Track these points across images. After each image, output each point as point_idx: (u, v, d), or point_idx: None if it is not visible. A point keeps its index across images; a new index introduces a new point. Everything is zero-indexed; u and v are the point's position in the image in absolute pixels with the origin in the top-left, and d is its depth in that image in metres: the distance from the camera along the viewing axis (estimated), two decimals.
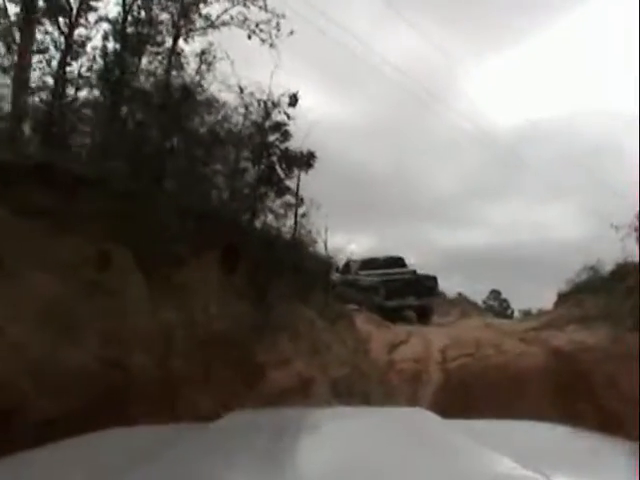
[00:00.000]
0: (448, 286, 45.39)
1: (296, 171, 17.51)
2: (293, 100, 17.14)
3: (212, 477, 2.00)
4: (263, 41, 16.84)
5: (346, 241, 26.99)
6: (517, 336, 25.70)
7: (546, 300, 37.26)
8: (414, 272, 32.78)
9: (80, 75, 14.66)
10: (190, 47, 16.19)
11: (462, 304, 46.97)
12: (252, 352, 14.24)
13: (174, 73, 15.54)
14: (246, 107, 16.85)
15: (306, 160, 17.52)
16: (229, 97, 16.63)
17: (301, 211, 19.19)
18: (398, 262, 33.42)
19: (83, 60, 14.81)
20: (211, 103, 16.01)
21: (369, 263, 33.18)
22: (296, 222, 19.24)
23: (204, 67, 16.16)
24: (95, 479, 2.04)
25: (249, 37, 16.53)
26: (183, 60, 16.17)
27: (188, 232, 11.87)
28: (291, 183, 18.08)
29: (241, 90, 16.68)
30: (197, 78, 15.85)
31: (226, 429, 2.73)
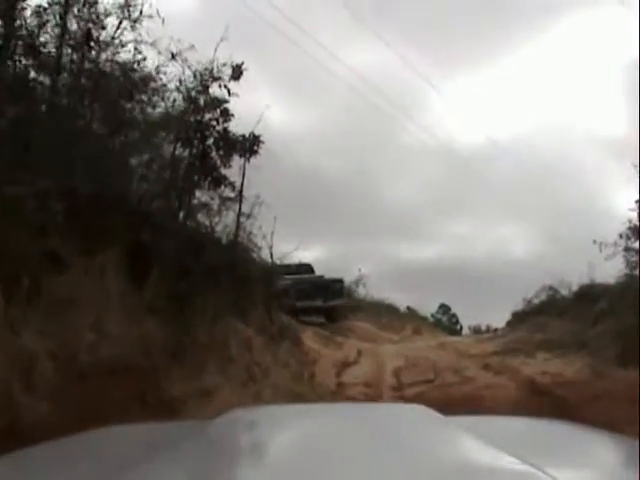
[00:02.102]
0: (398, 299, 42.72)
1: (238, 159, 13.73)
2: (237, 72, 13.41)
3: (214, 473, 1.90)
4: None
5: (294, 248, 22.97)
6: (479, 361, 22.49)
7: (496, 317, 35.47)
8: (322, 276, 32.60)
9: None
10: None
11: (413, 319, 43.89)
12: (164, 382, 10.39)
13: (85, 25, 11.59)
14: (179, 79, 13.00)
15: (249, 145, 13.76)
16: (157, 63, 12.76)
17: (246, 210, 15.50)
18: (308, 269, 33.04)
19: None
20: (131, 69, 12.10)
21: (283, 269, 32.76)
22: (238, 222, 15.54)
23: (126, 23, 12.27)
24: (98, 475, 1.97)
25: None
26: (101, 12, 12.26)
27: (72, 225, 8.01)
28: (232, 175, 14.32)
29: (172, 56, 12.87)
30: (117, 36, 11.93)
31: (225, 427, 2.47)
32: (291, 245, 24.37)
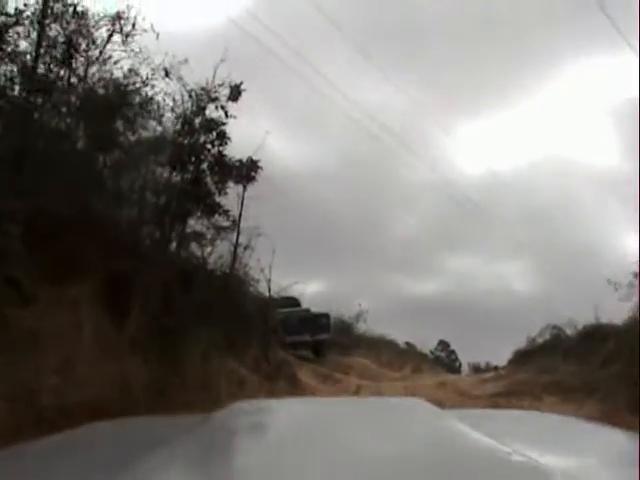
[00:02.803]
0: (398, 334, 41.41)
1: (236, 187, 12.63)
2: (235, 93, 12.34)
3: (219, 462, 1.95)
4: None
5: (293, 281, 21.81)
6: (483, 403, 21.18)
7: (496, 355, 34.39)
8: (308, 310, 31.59)
9: None
10: (101, 5, 11.26)
11: (413, 355, 42.48)
12: None
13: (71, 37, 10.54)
14: (173, 98, 11.93)
15: (247, 171, 12.65)
16: (151, 80, 11.70)
17: (243, 241, 14.40)
18: (294, 302, 32.29)
19: None
20: (122, 85, 11.04)
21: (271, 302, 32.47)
22: (235, 253, 14.43)
23: (118, 37, 11.24)
24: (103, 465, 1.95)
25: None
26: (91, 22, 11.21)
27: (39, 251, 6.86)
28: (229, 204, 13.21)
29: (166, 73, 11.79)
30: (107, 50, 10.88)
31: (228, 420, 2.50)
32: (291, 278, 23.31)
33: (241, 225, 13.27)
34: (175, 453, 1.95)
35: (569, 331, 25.84)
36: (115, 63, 11.67)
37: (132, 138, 11.65)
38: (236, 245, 14.60)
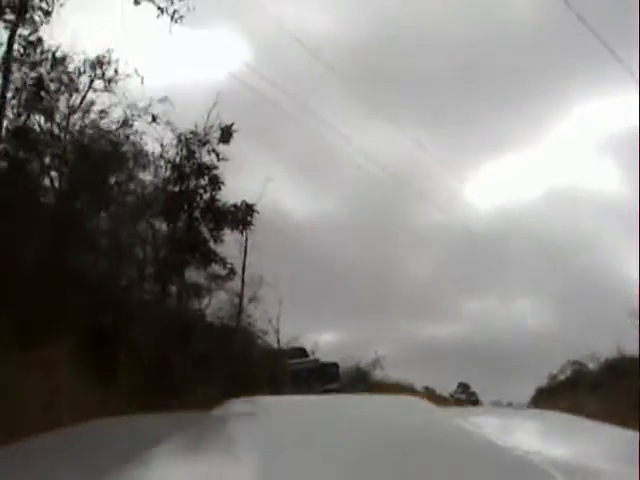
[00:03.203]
0: (416, 378, 40.20)
1: (230, 232, 11.84)
2: (226, 135, 11.63)
3: (215, 458, 1.92)
4: None
5: (303, 332, 20.84)
6: None
7: (517, 394, 32.09)
8: (317, 360, 30.17)
9: None
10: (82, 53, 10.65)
11: (432, 399, 41.10)
12: None
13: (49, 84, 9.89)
14: (160, 143, 11.23)
15: (242, 216, 11.87)
16: (138, 126, 11.02)
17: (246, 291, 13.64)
18: (302, 352, 31.41)
19: None
20: (108, 133, 10.35)
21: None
22: (241, 305, 13.65)
23: (100, 83, 10.58)
24: (101, 463, 1.84)
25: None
26: (70, 64, 10.56)
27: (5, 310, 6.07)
28: (231, 255, 12.44)
29: (153, 118, 11.10)
30: (90, 94, 10.22)
31: (226, 416, 2.46)
32: (303, 329, 22.43)
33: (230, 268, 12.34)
34: (172, 451, 1.91)
35: (591, 365, 25.04)
36: (101, 112, 10.97)
37: (119, 189, 10.89)
38: (241, 296, 13.82)
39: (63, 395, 7.50)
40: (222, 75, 13.55)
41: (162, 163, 11.43)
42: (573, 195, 43.06)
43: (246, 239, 14.39)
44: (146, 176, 11.43)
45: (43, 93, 10.08)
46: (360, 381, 35.50)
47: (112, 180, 10.74)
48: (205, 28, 13.34)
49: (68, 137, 10.48)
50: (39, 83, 9.99)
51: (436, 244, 38.38)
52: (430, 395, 44.54)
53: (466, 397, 63.60)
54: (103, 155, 10.57)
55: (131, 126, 11.00)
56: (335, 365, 31.78)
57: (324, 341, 32.35)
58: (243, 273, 13.94)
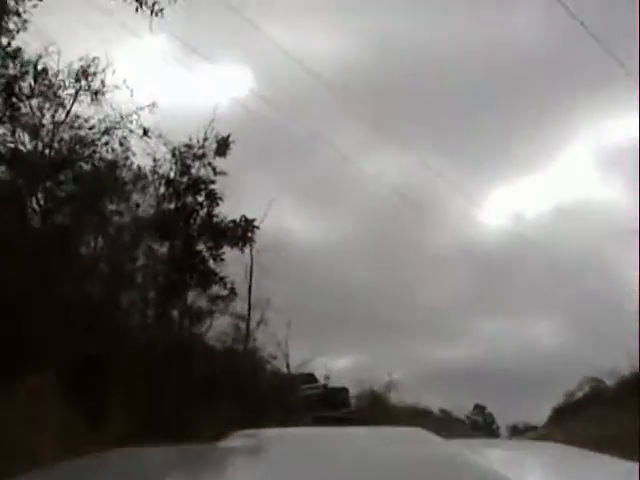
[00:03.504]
0: (432, 401, 39.51)
1: (230, 249, 11.07)
2: (222, 147, 10.92)
3: None
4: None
5: (313, 356, 19.99)
6: None
7: (534, 414, 33.39)
8: (325, 386, 30.59)
9: None
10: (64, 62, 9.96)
11: (447, 422, 40.34)
12: None
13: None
14: (153, 158, 10.50)
15: (242, 232, 11.11)
16: (128, 140, 10.30)
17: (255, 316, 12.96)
18: (311, 378, 31.12)
19: None
20: (92, 144, 9.64)
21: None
22: (248, 329, 12.93)
23: (85, 96, 9.90)
24: None
25: None
26: (53, 77, 9.89)
27: None
28: (231, 272, 11.69)
29: (145, 132, 10.39)
30: (74, 107, 9.53)
31: (231, 450, 2.40)
32: (318, 351, 21.67)
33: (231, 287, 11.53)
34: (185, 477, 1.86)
35: (609, 382, 24.47)
36: (91, 129, 10.26)
37: (110, 208, 10.17)
38: (248, 319, 13.10)
39: (46, 429, 6.70)
40: (224, 100, 13.06)
41: (155, 178, 10.62)
42: (584, 214, 42.49)
43: (251, 260, 13.76)
44: (139, 193, 10.64)
45: (25, 107, 9.43)
46: (374, 405, 35.02)
47: (103, 199, 9.99)
48: (206, 56, 12.79)
49: (53, 154, 9.77)
50: (17, 95, 9.32)
51: (449, 266, 37.73)
52: (446, 417, 43.87)
53: (482, 419, 62.73)
54: (91, 172, 9.86)
55: (121, 143, 10.29)
56: (345, 390, 31.75)
57: (337, 365, 31.09)
58: (249, 295, 13.26)
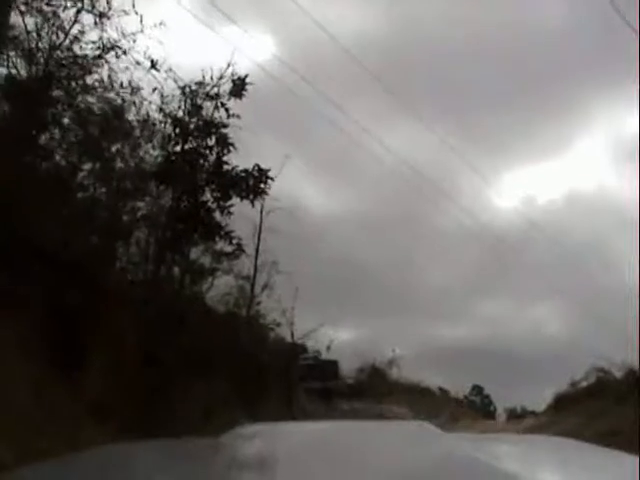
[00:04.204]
0: (431, 379, 39.34)
1: (239, 200, 9.88)
2: (239, 87, 9.68)
3: None
4: None
5: (318, 325, 18.94)
6: None
7: (532, 399, 33.10)
8: (316, 357, 30.81)
9: None
10: None
11: (448, 402, 39.85)
12: None
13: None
14: (161, 94, 9.26)
15: (254, 183, 9.88)
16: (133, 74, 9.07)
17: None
18: (303, 349, 31.27)
19: None
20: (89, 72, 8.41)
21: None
22: (252, 294, 11.88)
23: (87, 18, 8.66)
24: None
25: None
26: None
27: None
28: (240, 232, 10.53)
29: (152, 65, 9.15)
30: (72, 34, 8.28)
31: (234, 444, 2.40)
32: (324, 322, 20.73)
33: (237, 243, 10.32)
34: (184, 476, 1.86)
35: (618, 373, 23.44)
36: (90, 44, 9.00)
37: (105, 146, 8.96)
38: (253, 282, 12.05)
39: (16, 386, 5.58)
40: (245, 62, 12.22)
41: (162, 117, 9.39)
42: (596, 202, 41.74)
43: (261, 219, 12.71)
44: (142, 132, 9.42)
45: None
46: (375, 380, 34.78)
47: (95, 133, 8.78)
48: (230, 17, 11.79)
49: (47, 80, 8.54)
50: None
51: (458, 245, 37.07)
52: (444, 397, 43.65)
53: (480, 400, 62.46)
54: (87, 103, 8.65)
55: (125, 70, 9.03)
56: (334, 363, 31.92)
57: (340, 338, 30.37)
58: (256, 257, 12.21)
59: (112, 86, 9.01)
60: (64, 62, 8.62)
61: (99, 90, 8.95)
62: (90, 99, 8.90)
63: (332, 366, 31.95)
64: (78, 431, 6.49)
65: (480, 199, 40.91)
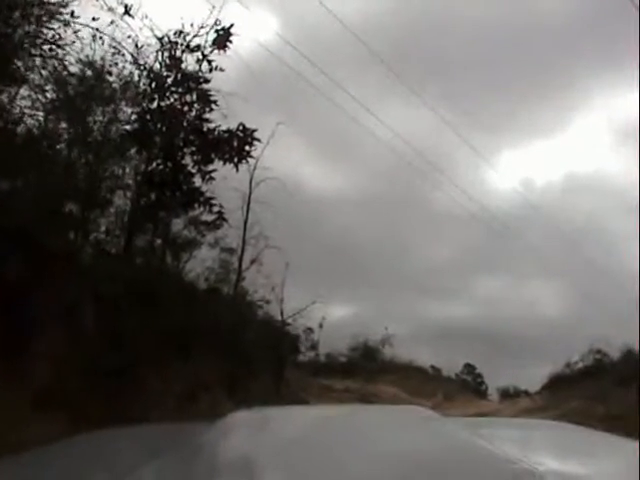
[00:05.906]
0: (424, 358, 39.17)
1: (222, 165, 8.74)
2: (223, 38, 8.49)
3: (217, 473, 1.78)
4: None
5: (309, 303, 17.88)
6: None
7: (524, 378, 33.54)
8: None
9: None
10: None
11: (442, 381, 39.43)
12: None
13: None
14: (135, 43, 8.08)
15: (238, 144, 8.70)
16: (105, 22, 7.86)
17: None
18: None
19: None
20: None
21: None
22: (240, 267, 10.88)
23: None
24: (108, 474, 1.78)
25: None
26: None
27: None
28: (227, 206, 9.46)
29: (126, 11, 7.95)
30: None
31: (230, 428, 2.25)
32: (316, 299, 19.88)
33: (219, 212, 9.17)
34: (172, 464, 1.78)
35: (615, 355, 24.05)
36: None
37: (71, 97, 7.77)
38: (241, 256, 11.06)
39: None
40: (246, 39, 11.44)
41: (136, 70, 8.20)
42: (594, 183, 41.18)
43: (250, 188, 11.68)
44: (114, 85, 8.22)
45: None
46: (368, 358, 34.36)
47: (63, 87, 7.60)
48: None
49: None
50: None
51: (454, 224, 36.43)
52: (436, 375, 43.31)
53: (471, 378, 62.08)
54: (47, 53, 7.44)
55: (94, 18, 7.78)
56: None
57: (334, 315, 30.34)
58: (245, 229, 11.21)
59: (77, 34, 7.87)
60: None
61: (64, 37, 7.81)
62: (54, 47, 7.73)
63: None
64: (20, 424, 5.42)
65: (478, 178, 40.36)
